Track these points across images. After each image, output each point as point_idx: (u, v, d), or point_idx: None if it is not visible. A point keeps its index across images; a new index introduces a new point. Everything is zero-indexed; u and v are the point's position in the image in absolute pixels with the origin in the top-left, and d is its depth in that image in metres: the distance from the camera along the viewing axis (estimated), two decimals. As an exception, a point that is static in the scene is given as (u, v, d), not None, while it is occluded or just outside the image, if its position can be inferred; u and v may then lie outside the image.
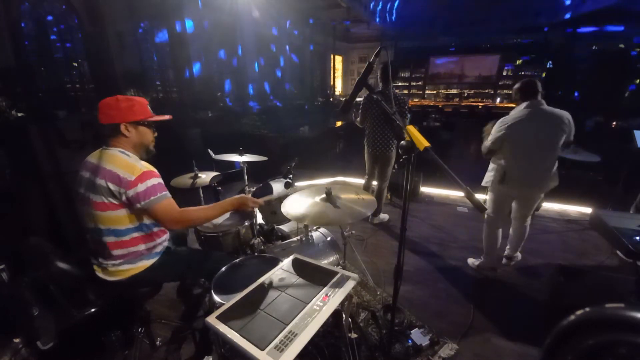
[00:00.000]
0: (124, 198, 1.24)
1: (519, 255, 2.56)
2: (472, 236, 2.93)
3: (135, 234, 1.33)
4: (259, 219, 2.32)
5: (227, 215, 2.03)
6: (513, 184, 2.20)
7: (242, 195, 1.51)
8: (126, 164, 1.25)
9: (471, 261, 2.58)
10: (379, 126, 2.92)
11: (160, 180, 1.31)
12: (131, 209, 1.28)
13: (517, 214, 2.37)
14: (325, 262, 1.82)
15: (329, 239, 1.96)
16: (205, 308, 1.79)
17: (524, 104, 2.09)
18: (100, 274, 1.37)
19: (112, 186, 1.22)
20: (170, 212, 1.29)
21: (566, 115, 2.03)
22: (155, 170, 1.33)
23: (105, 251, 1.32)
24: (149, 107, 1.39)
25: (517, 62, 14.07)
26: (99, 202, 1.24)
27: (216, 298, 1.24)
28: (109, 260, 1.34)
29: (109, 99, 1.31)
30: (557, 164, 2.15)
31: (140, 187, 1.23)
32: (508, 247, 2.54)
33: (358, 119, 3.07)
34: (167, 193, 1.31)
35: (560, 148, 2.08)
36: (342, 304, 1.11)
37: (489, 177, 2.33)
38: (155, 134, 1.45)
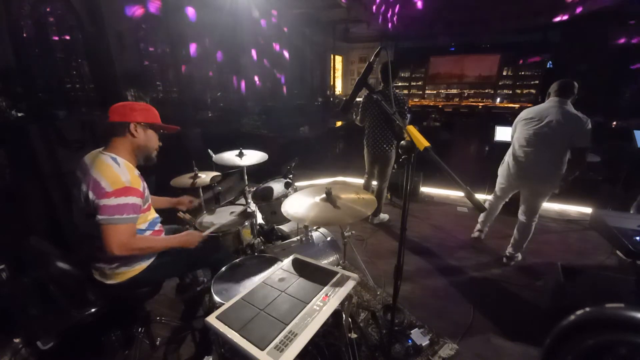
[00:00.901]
0: (94, 206, 1.18)
1: (519, 255, 2.56)
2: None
3: None
4: (259, 219, 2.32)
5: (227, 215, 2.03)
6: (509, 171, 2.39)
7: (189, 232, 1.48)
8: (111, 173, 1.21)
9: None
10: (378, 126, 2.92)
11: (137, 200, 1.25)
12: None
13: (521, 210, 2.42)
14: (325, 262, 1.82)
15: (329, 239, 1.96)
16: (205, 308, 1.79)
17: (547, 100, 2.19)
18: (98, 277, 1.35)
19: (90, 194, 1.18)
20: (121, 238, 1.18)
21: (581, 120, 2.02)
22: (139, 188, 1.27)
23: (101, 255, 1.29)
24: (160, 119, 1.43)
25: (517, 62, 14.05)
26: (83, 207, 1.23)
27: (216, 298, 1.24)
28: (105, 263, 1.32)
29: (124, 102, 1.34)
30: (562, 170, 2.16)
31: (112, 202, 1.17)
32: (510, 245, 2.54)
33: (358, 117, 3.07)
34: (134, 216, 1.24)
35: (572, 152, 2.11)
36: (342, 304, 1.11)
37: None
38: (160, 144, 1.45)
